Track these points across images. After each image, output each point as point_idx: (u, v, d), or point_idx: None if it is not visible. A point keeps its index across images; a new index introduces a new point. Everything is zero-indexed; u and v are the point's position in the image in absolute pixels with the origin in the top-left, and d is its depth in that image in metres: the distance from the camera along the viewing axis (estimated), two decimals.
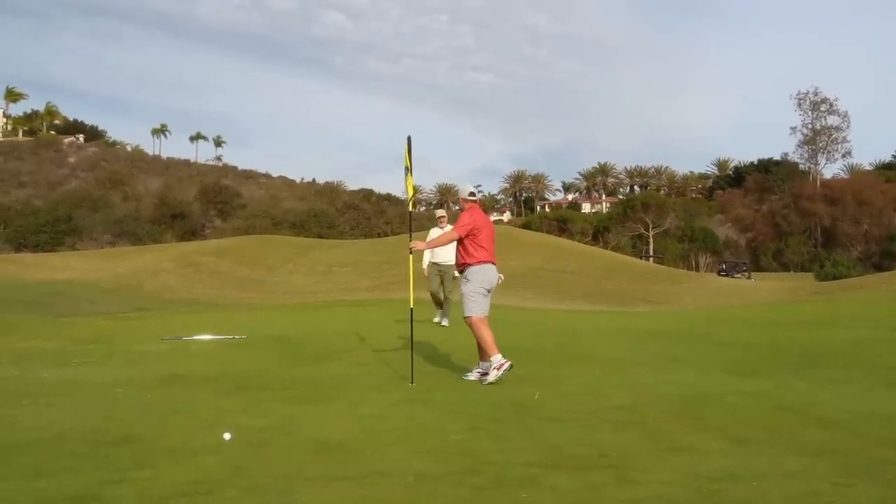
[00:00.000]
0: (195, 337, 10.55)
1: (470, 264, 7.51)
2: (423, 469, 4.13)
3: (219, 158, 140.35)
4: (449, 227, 11.22)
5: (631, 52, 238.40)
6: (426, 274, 12.49)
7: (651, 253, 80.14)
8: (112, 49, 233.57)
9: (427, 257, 12.42)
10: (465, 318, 7.47)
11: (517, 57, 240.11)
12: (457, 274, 10.34)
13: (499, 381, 7.03)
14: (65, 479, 3.92)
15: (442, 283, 12.42)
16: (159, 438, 4.88)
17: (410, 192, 8.15)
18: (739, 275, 57.24)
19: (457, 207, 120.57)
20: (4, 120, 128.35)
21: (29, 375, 7.77)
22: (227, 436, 4.81)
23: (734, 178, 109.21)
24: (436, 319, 12.57)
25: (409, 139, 7.92)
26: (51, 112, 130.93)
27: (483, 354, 7.44)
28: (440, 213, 13.11)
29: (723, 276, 55.32)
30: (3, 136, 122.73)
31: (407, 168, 7.91)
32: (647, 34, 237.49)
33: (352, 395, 6.55)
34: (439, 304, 12.61)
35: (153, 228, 72.94)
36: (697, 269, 67.31)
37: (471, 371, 7.54)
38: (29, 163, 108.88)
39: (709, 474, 4.03)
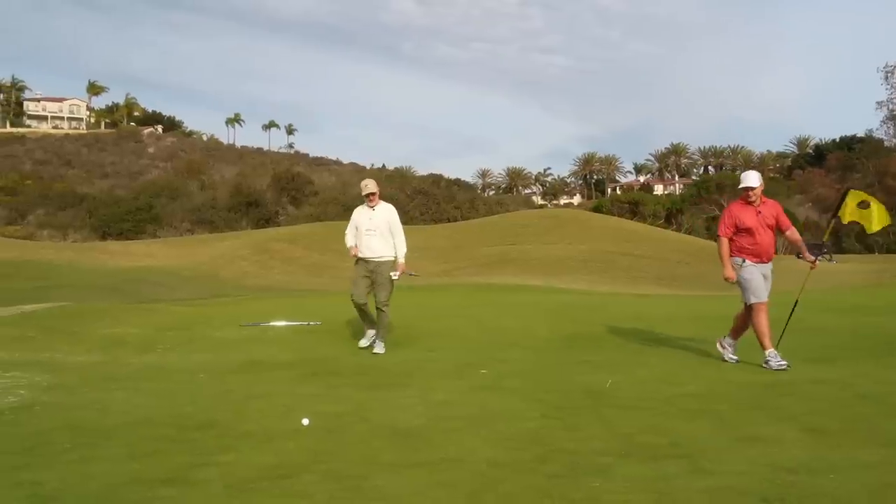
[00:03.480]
0: (272, 323, 10.84)
1: None
2: (495, 456, 4.20)
3: (291, 146, 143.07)
4: (382, 205, 8.88)
5: (705, 29, 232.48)
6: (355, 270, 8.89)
7: None
8: (188, 41, 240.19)
9: (351, 238, 8.87)
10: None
11: (588, 38, 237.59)
12: (396, 275, 8.76)
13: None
14: (155, 462, 4.14)
15: (372, 287, 8.81)
16: (240, 423, 5.07)
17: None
18: (820, 257, 55.21)
19: (489, 193, 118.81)
20: (88, 113, 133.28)
21: (117, 361, 8.13)
22: (305, 421, 4.97)
23: (814, 157, 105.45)
24: (363, 343, 8.91)
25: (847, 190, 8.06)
26: (130, 104, 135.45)
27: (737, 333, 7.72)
28: (370, 188, 8.78)
29: (801, 258, 53.53)
30: (87, 128, 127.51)
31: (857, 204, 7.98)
32: (722, 10, 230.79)
33: (423, 381, 6.66)
34: (368, 318, 8.91)
35: (229, 216, 74.85)
36: (775, 252, 65.35)
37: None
38: (111, 154, 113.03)
39: (784, 465, 3.98)
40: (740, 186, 7.56)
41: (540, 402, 5.65)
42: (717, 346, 7.80)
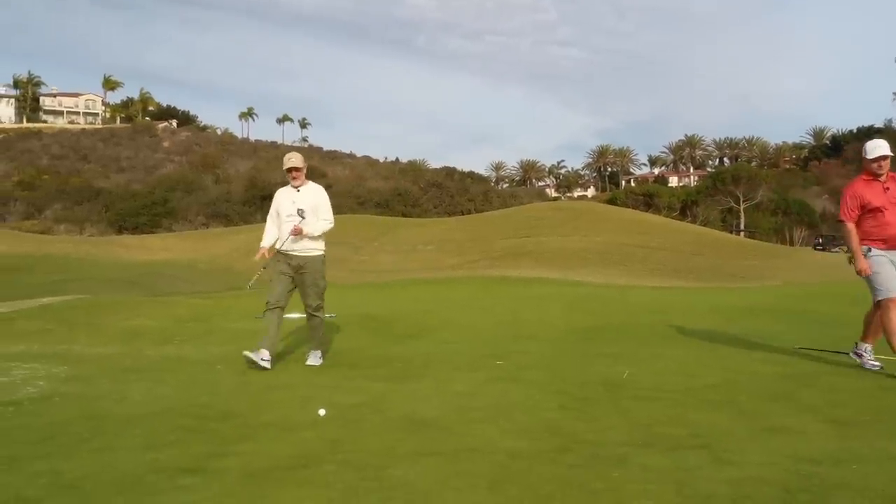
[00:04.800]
0: (288, 315, 10.85)
1: None
2: (515, 447, 4.18)
3: (305, 140, 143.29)
4: (310, 186, 7.33)
5: (720, 19, 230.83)
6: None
7: (742, 227, 77.75)
8: (202, 36, 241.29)
9: (270, 236, 7.31)
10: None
11: (601, 30, 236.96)
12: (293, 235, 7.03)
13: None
14: (175, 451, 4.14)
15: (294, 288, 7.29)
16: (259, 414, 5.08)
17: None
18: (837, 249, 54.91)
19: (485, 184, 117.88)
20: (103, 108, 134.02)
21: (135, 353, 8.18)
22: (322, 412, 4.96)
23: (831, 148, 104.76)
24: (254, 356, 6.85)
25: None
26: (145, 99, 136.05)
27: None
28: (293, 161, 7.18)
29: (819, 250, 53.32)
30: (103, 123, 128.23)
31: None
32: (737, 0, 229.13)
33: (441, 372, 6.64)
34: (274, 331, 7.11)
35: (244, 209, 75.11)
36: (792, 244, 65.11)
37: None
38: (127, 148, 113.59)
39: (808, 456, 3.93)
40: (869, 157, 6.34)
41: (558, 393, 5.63)
42: (852, 355, 6.63)
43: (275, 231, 7.31)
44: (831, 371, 6.41)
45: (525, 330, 9.42)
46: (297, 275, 7.17)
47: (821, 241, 59.53)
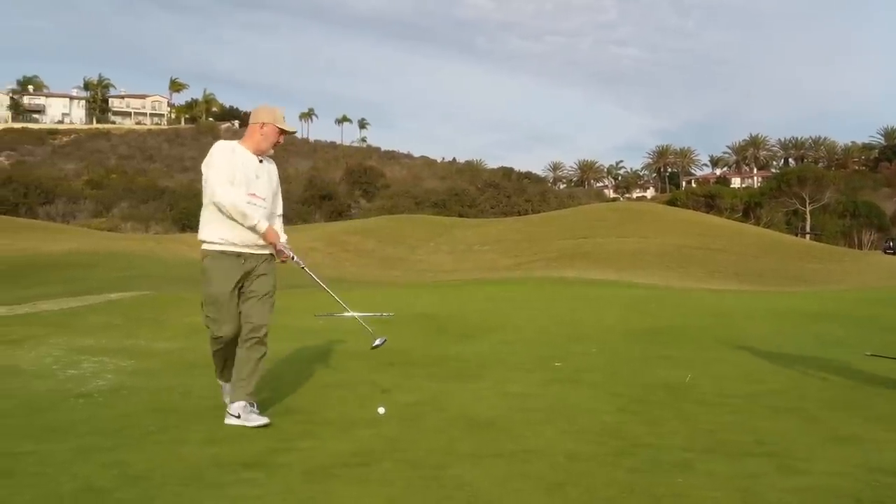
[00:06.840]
0: (345, 314, 10.96)
1: None
2: (575, 449, 4.14)
3: (363, 140, 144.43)
4: (269, 160, 4.98)
5: (785, 16, 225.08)
6: (207, 273, 4.88)
7: (808, 229, 75.65)
8: (264, 39, 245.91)
9: (252, 209, 4.76)
10: None
11: (663, 29, 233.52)
12: (299, 262, 5.23)
13: None
14: (237, 446, 4.22)
15: (241, 295, 4.94)
16: (319, 411, 5.13)
17: None
18: None
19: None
20: (169, 109, 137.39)
21: (198, 348, 8.34)
22: (381, 410, 4.99)
23: None
24: (239, 415, 4.73)
25: None
26: (208, 100, 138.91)
27: None
28: (289, 124, 4.96)
29: (889, 254, 51.52)
30: (168, 124, 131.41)
31: None
32: None
33: (498, 373, 6.62)
34: (229, 365, 5.03)
35: (302, 209, 76.03)
36: (860, 247, 63.10)
37: None
38: (191, 148, 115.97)
39: (880, 466, 3.80)
40: None
41: (617, 396, 5.56)
42: None
43: (221, 225, 4.81)
44: None
45: (583, 331, 9.32)
46: (246, 281, 4.94)
47: (891, 244, 57.48)
